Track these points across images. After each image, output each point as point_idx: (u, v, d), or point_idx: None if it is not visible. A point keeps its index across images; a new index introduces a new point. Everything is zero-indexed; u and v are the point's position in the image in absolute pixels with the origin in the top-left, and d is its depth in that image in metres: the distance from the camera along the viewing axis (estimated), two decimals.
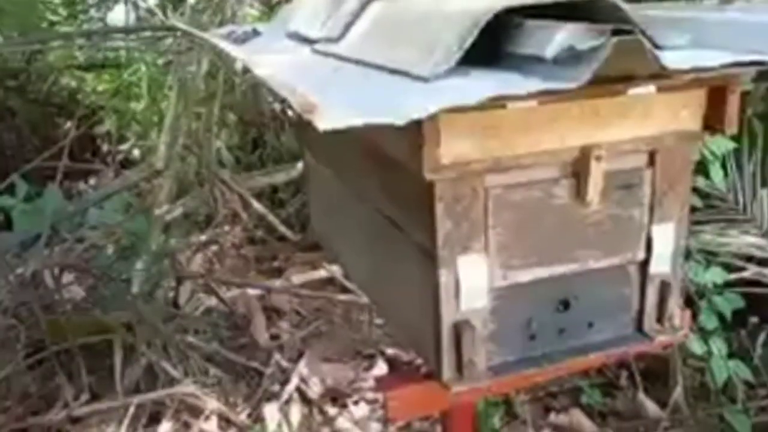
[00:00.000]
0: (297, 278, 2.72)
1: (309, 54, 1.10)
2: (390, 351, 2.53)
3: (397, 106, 0.64)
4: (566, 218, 0.96)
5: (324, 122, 0.59)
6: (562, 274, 0.98)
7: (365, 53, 0.94)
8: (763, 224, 2.05)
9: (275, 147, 3.23)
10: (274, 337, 2.57)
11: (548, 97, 0.84)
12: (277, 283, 2.70)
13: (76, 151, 3.51)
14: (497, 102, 0.70)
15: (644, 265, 1.02)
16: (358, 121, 0.60)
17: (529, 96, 0.68)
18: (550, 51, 0.70)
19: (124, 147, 3.56)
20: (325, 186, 1.36)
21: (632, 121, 0.95)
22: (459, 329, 0.93)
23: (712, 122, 0.98)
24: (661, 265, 1.03)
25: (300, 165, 2.81)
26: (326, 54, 1.05)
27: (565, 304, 1.00)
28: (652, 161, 0.98)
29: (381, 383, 1.06)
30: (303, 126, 1.45)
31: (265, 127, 3.23)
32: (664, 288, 1.04)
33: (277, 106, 3.30)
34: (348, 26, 1.05)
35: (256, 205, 2.73)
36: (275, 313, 2.67)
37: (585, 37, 0.68)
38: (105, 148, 3.64)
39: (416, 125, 0.81)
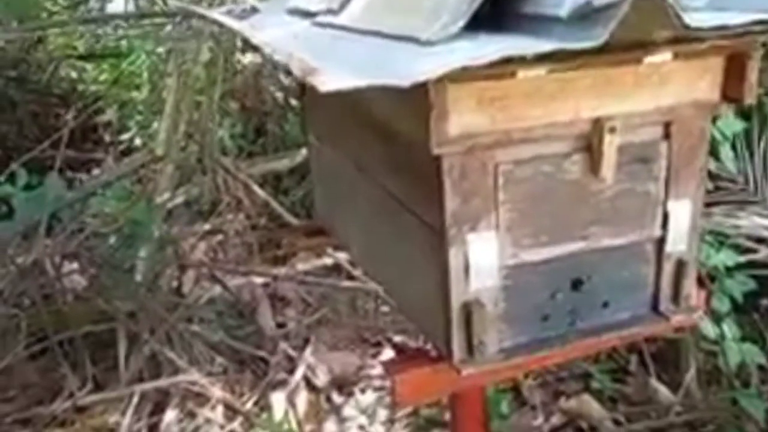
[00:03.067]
0: (302, 266, 2.69)
1: (309, 26, 1.06)
2: (397, 338, 2.50)
3: (403, 68, 0.60)
4: (579, 194, 0.92)
5: (325, 84, 0.56)
6: (575, 252, 0.94)
7: (367, 22, 0.91)
8: None
9: (278, 135, 3.19)
10: (280, 326, 2.54)
11: (561, 64, 0.81)
12: (282, 270, 2.67)
13: (78, 141, 3.50)
14: (509, 65, 0.67)
15: (660, 242, 0.99)
16: (361, 82, 0.56)
17: (543, 57, 0.64)
18: (564, 9, 0.67)
19: (126, 136, 3.53)
20: (328, 167, 1.33)
21: (648, 91, 0.91)
22: (469, 309, 0.90)
23: (730, 92, 0.95)
24: (677, 242, 1.00)
25: (304, 151, 2.77)
26: (327, 25, 1.02)
27: (579, 284, 0.96)
28: (667, 134, 0.95)
29: (388, 367, 1.03)
30: (307, 104, 1.42)
31: (268, 115, 3.19)
32: (681, 267, 1.01)
33: (279, 95, 3.26)
34: None
35: (260, 192, 2.69)
36: (280, 301, 2.64)
37: None
38: (107, 138, 3.61)
39: (423, 95, 0.78)
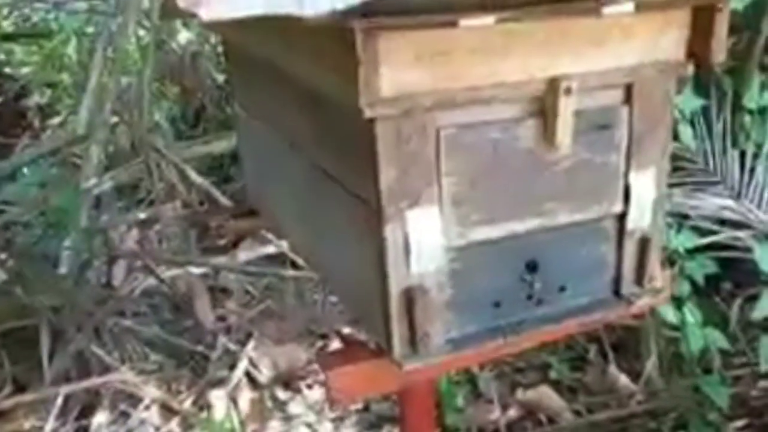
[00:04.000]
0: (244, 255, 2.55)
1: None
2: (346, 330, 2.39)
3: None
4: (532, 165, 0.83)
5: (209, 12, 0.44)
6: (528, 231, 0.86)
7: None
8: (735, 185, 1.96)
9: (219, 119, 3.05)
10: (221, 319, 2.41)
11: (510, 12, 0.70)
12: (222, 260, 2.53)
13: (6, 126, 3.31)
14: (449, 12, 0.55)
15: (622, 218, 0.91)
16: (255, 10, 0.44)
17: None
18: None
19: (56, 121, 3.34)
20: (256, 141, 1.21)
21: (608, 47, 0.82)
22: (410, 296, 0.80)
23: (697, 49, 0.87)
24: (640, 218, 0.92)
25: None
26: None
27: (533, 266, 0.88)
28: (628, 97, 0.86)
29: (323, 361, 0.92)
30: (231, 70, 1.30)
31: (206, 95, 3.04)
32: (644, 245, 0.93)
33: (220, 76, 3.12)
34: None
35: (195, 176, 2.53)
36: (221, 292, 2.51)
37: None
38: (36, 123, 3.42)
39: (350, 45, 0.67)
